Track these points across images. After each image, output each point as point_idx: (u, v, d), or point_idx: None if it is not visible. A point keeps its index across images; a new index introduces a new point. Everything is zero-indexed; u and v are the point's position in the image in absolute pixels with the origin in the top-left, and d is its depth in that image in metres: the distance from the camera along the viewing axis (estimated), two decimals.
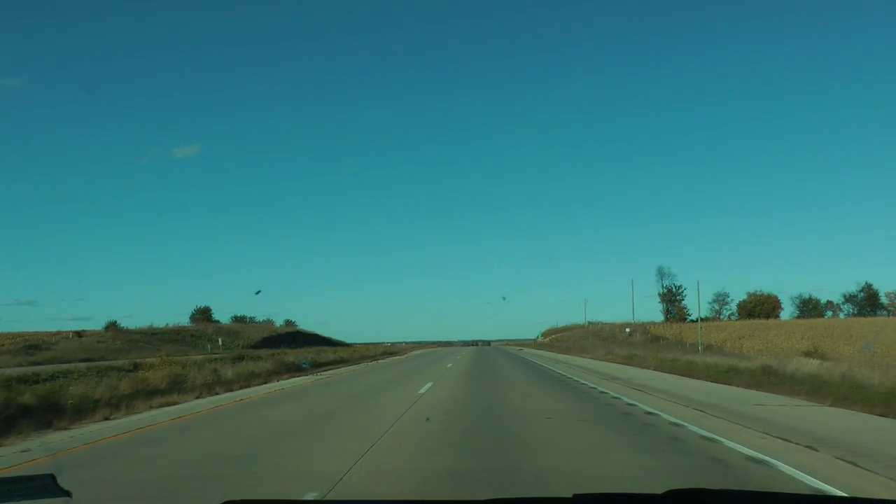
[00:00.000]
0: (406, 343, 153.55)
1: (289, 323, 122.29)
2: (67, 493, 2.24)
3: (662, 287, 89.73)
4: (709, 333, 72.29)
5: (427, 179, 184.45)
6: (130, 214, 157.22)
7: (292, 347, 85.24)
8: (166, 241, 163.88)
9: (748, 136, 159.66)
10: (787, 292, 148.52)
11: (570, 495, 2.14)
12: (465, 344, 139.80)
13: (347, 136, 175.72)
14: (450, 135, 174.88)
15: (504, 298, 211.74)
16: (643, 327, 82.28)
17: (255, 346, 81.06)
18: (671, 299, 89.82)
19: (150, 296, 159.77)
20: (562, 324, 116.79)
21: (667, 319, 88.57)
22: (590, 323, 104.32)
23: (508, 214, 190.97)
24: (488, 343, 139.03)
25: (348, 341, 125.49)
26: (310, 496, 6.02)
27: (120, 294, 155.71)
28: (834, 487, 6.25)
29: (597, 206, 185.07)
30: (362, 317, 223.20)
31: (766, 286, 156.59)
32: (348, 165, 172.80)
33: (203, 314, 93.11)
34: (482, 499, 2.29)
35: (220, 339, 61.95)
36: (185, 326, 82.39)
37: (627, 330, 78.40)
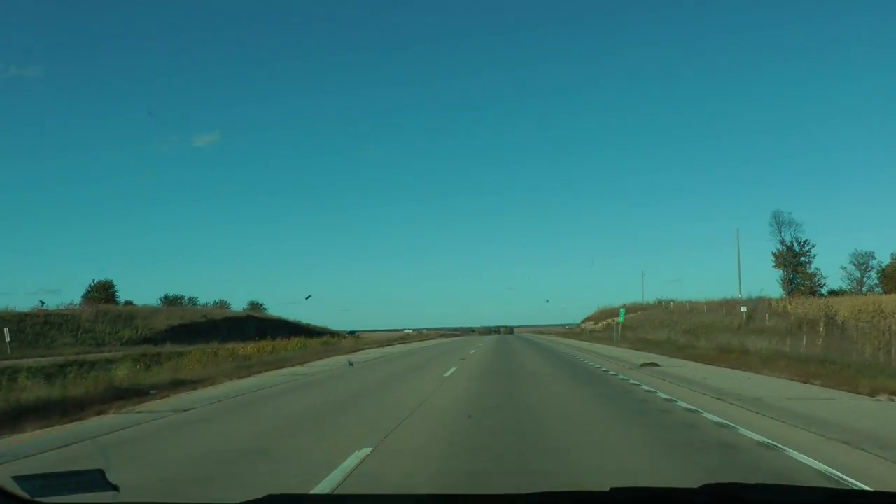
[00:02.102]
0: (428, 329, 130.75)
1: (254, 306, 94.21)
2: (115, 488, 2.22)
3: (780, 244, 58.19)
4: None
5: (443, 160, 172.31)
6: (145, 199, 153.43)
7: (234, 339, 56.76)
8: (172, 226, 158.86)
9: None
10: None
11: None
12: (487, 331, 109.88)
13: (363, 117, 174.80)
14: (470, 112, 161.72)
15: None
16: (765, 304, 51.07)
17: (149, 340, 52.62)
18: (794, 262, 58.25)
19: (157, 284, 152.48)
20: (612, 304, 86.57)
21: (788, 292, 57.31)
22: (661, 301, 73.33)
23: (535, 192, 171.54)
24: (511, 330, 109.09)
25: (348, 330, 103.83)
26: None
27: (128, 283, 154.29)
28: None
29: (642, 171, 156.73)
30: (379, 304, 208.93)
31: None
32: (367, 150, 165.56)
33: (102, 292, 64.70)
34: (521, 493, 2.19)
35: (6, 330, 32.93)
36: (52, 310, 54.05)
37: (743, 309, 47.38)
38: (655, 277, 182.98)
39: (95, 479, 2.17)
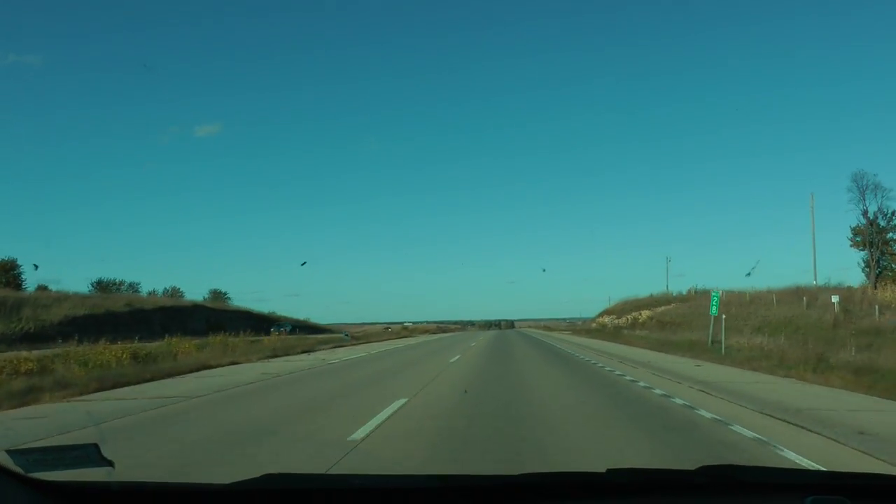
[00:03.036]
0: (428, 322, 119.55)
1: (215, 295, 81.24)
2: (110, 463, 2.18)
3: (863, 214, 43.93)
4: None
5: (445, 154, 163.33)
6: (144, 190, 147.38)
7: (172, 333, 43.64)
8: (169, 218, 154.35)
9: None
10: None
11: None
12: (487, 325, 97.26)
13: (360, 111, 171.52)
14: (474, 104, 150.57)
15: (544, 270, 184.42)
16: (860, 295, 37.70)
17: (32, 337, 39.67)
18: (880, 240, 44.11)
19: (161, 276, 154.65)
20: (636, 294, 73.49)
21: (874, 277, 43.29)
22: (698, 291, 59.77)
23: (536, 187, 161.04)
24: (512, 324, 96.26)
25: (341, 324, 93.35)
26: None
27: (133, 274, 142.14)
28: None
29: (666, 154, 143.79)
30: (379, 297, 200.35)
31: None
32: (365, 144, 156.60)
33: (1, 273, 51.84)
34: (516, 473, 2.16)
35: None
36: None
37: (835, 299, 33.83)
38: (661, 270, 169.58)
39: (91, 455, 2.10)
